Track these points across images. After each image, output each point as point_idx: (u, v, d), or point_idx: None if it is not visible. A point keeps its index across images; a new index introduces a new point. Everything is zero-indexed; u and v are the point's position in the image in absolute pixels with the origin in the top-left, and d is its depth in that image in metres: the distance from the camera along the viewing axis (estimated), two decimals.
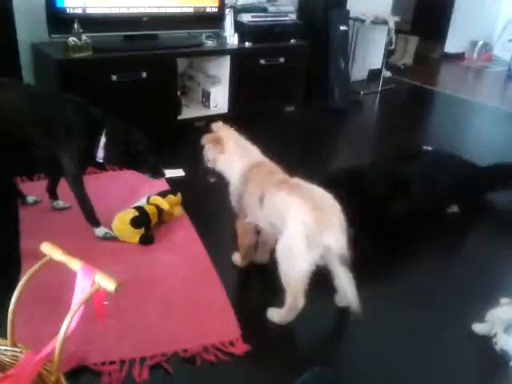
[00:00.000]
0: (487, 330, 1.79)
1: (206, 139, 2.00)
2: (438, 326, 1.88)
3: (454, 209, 2.69)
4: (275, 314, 1.81)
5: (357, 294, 1.72)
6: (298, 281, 1.71)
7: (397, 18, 4.84)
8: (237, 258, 2.11)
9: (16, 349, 1.10)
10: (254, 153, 1.98)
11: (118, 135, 2.09)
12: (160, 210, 2.28)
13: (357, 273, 1.72)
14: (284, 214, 1.71)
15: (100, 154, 2.10)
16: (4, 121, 2.04)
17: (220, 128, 2.01)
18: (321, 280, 1.74)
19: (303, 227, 1.64)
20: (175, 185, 2.63)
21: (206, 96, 3.81)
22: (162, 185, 2.64)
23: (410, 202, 2.43)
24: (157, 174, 2.23)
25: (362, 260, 1.76)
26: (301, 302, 1.74)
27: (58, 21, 2.99)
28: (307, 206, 1.66)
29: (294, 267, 1.70)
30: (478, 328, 1.82)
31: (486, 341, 1.77)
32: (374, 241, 1.89)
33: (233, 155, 1.96)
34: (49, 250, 1.11)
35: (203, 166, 2.03)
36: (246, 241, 2.04)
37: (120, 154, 2.11)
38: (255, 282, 2.11)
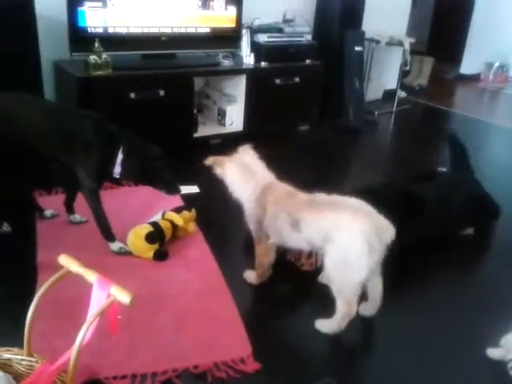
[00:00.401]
0: (502, 355, 1.76)
1: (209, 160, 2.06)
2: (451, 349, 1.85)
3: (469, 231, 2.66)
4: (325, 326, 1.84)
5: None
6: (354, 289, 1.77)
7: (412, 39, 4.88)
8: (251, 276, 2.11)
9: (32, 358, 1.12)
10: (259, 173, 2.01)
11: (135, 152, 2.13)
12: (174, 226, 2.31)
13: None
14: (332, 230, 1.76)
15: (117, 170, 2.14)
16: (25, 135, 2.09)
17: (244, 151, 2.06)
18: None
19: (363, 236, 1.69)
20: (190, 201, 2.65)
21: (222, 114, 3.86)
22: (177, 201, 2.67)
23: (423, 225, 2.42)
24: (172, 190, 2.26)
25: None
26: (354, 310, 1.80)
27: (80, 39, 3.07)
28: (360, 217, 1.73)
29: (353, 276, 1.75)
30: (493, 353, 1.78)
31: (501, 366, 1.73)
32: (386, 262, 1.90)
33: (235, 177, 2.01)
34: (66, 261, 1.14)
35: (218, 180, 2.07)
36: (266, 261, 2.06)
37: (136, 170, 2.15)
38: (267, 299, 2.10)
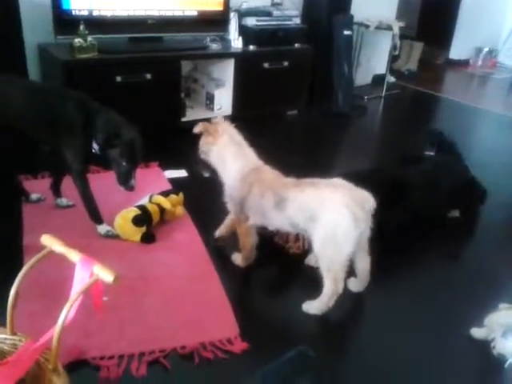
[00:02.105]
0: (485, 334, 1.79)
1: (199, 126, 1.98)
2: (436, 329, 1.88)
3: (455, 213, 2.69)
4: (313, 307, 1.85)
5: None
6: (341, 264, 1.79)
7: (401, 24, 4.87)
8: (238, 258, 2.12)
9: (15, 337, 1.12)
10: (249, 155, 1.99)
11: (106, 131, 2.04)
12: (162, 210, 2.30)
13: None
14: (315, 207, 1.78)
15: (95, 147, 2.10)
16: (10, 116, 2.08)
17: (220, 122, 2.01)
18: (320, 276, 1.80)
19: (347, 209, 1.72)
20: (178, 185, 2.65)
21: (210, 98, 3.84)
22: (165, 185, 2.67)
23: (410, 208, 2.43)
24: (122, 182, 2.11)
25: None
26: (342, 287, 1.81)
27: (64, 22, 3.03)
28: (341, 192, 1.76)
29: (341, 250, 1.77)
30: (476, 333, 1.81)
31: (485, 345, 1.76)
32: (373, 246, 1.93)
33: (226, 150, 1.96)
34: (49, 241, 1.13)
35: (198, 158, 2.03)
36: (248, 242, 2.06)
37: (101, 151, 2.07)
38: (254, 282, 2.12)
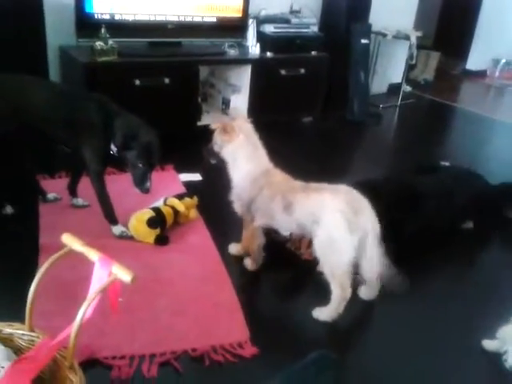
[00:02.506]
0: (498, 346, 1.78)
1: (217, 123, 1.98)
2: (448, 340, 1.87)
3: (469, 225, 2.68)
4: (323, 313, 1.86)
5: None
6: (344, 269, 1.80)
7: (419, 33, 4.87)
8: (248, 262, 2.13)
9: (33, 334, 1.14)
10: (261, 157, 1.99)
11: (124, 133, 2.07)
12: (176, 212, 2.33)
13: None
14: (318, 211, 1.81)
15: (114, 148, 2.14)
16: (33, 116, 2.12)
17: (237, 119, 2.00)
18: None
19: (341, 214, 1.75)
20: (192, 188, 2.68)
21: (226, 103, 3.87)
22: (179, 188, 2.70)
23: (424, 217, 2.43)
24: (138, 184, 2.13)
25: None
26: (349, 292, 1.83)
27: (86, 25, 3.08)
28: (339, 197, 1.79)
29: (341, 255, 1.79)
30: (488, 345, 1.80)
31: (497, 357, 1.75)
32: (386, 254, 1.94)
33: (240, 151, 1.96)
34: (69, 240, 1.16)
35: (208, 146, 2.02)
36: (255, 244, 2.08)
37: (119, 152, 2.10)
38: (265, 286, 2.13)
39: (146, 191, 2.14)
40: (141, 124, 2.11)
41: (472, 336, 1.86)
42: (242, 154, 1.96)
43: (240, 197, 2.01)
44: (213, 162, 2.06)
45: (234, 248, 2.21)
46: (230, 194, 2.05)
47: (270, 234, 2.15)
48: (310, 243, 2.23)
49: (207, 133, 2.02)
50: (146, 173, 2.11)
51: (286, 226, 2.00)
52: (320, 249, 1.83)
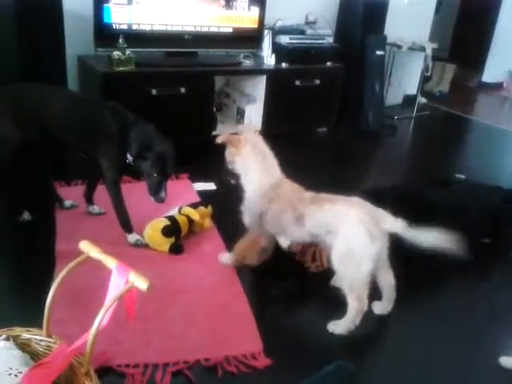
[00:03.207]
0: None
1: (222, 137, 1.99)
2: (463, 357, 1.84)
3: (486, 239, 2.64)
4: (338, 327, 1.84)
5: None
6: (363, 281, 1.79)
7: (434, 45, 4.86)
8: (230, 257, 2.14)
9: (50, 339, 1.15)
10: (271, 168, 1.99)
11: (140, 142, 2.09)
12: (191, 221, 2.33)
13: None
14: (334, 222, 1.80)
15: (130, 158, 2.15)
16: (51, 124, 2.15)
17: (246, 130, 2.04)
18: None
19: (362, 225, 1.73)
20: (206, 197, 2.68)
21: (241, 113, 3.89)
22: (194, 197, 2.71)
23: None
24: (153, 193, 2.14)
25: None
26: (366, 304, 1.81)
27: (104, 35, 3.13)
28: (356, 208, 1.77)
29: (360, 267, 1.77)
30: (506, 361, 1.77)
31: None
32: (399, 267, 1.92)
33: (249, 161, 1.96)
34: (87, 247, 1.17)
35: (226, 166, 2.03)
36: (249, 257, 2.09)
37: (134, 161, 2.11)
38: (279, 297, 2.12)
39: (161, 201, 2.15)
40: (156, 134, 2.13)
41: (489, 353, 1.83)
42: (251, 164, 1.96)
43: (250, 209, 2.01)
44: (233, 182, 2.07)
45: (226, 258, 2.17)
46: (241, 204, 2.05)
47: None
48: (314, 256, 2.23)
49: (216, 146, 2.02)
50: (161, 182, 2.12)
51: (297, 236, 1.99)
52: (339, 261, 1.80)
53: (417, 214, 2.32)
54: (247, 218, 2.03)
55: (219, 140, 1.99)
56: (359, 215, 1.76)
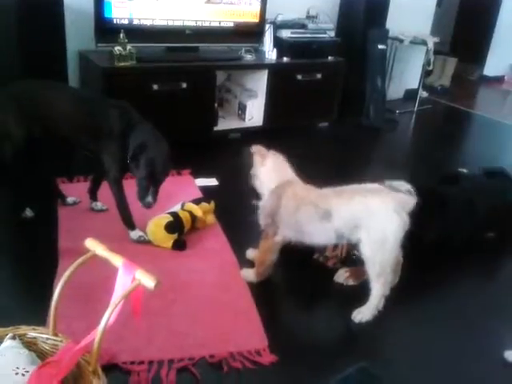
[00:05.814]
0: None
1: (254, 147, 2.05)
2: (468, 351, 1.84)
3: (491, 234, 2.63)
4: (364, 313, 1.89)
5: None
6: (391, 266, 1.87)
7: (436, 39, 4.83)
8: (251, 274, 2.08)
9: (57, 338, 1.15)
10: (288, 171, 2.02)
11: (137, 143, 2.07)
12: (193, 217, 2.33)
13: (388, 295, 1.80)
14: (364, 216, 1.82)
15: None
16: (54, 121, 2.14)
17: (259, 150, 2.06)
18: (349, 291, 1.78)
19: (396, 214, 1.79)
20: (209, 193, 2.68)
21: (242, 109, 3.87)
22: (196, 193, 2.70)
23: (446, 224, 2.39)
24: (140, 197, 2.11)
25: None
26: (388, 288, 1.90)
27: (105, 31, 3.11)
28: (388, 197, 1.82)
29: (391, 254, 1.84)
30: (511, 356, 1.77)
31: None
32: (406, 263, 1.92)
33: (270, 173, 2.00)
34: (93, 245, 1.16)
35: (250, 185, 2.07)
36: (269, 259, 2.05)
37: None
38: (283, 293, 2.12)
39: (148, 206, 2.10)
40: (152, 137, 2.10)
41: (494, 347, 1.83)
42: (271, 173, 2.01)
43: (263, 208, 2.01)
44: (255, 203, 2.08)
45: (251, 253, 2.20)
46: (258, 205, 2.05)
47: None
48: (335, 246, 2.22)
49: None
50: (148, 187, 2.08)
51: (319, 236, 1.95)
52: (371, 250, 1.83)
53: (430, 208, 2.33)
54: (261, 219, 2.03)
55: (252, 150, 2.06)
56: (393, 204, 1.80)
